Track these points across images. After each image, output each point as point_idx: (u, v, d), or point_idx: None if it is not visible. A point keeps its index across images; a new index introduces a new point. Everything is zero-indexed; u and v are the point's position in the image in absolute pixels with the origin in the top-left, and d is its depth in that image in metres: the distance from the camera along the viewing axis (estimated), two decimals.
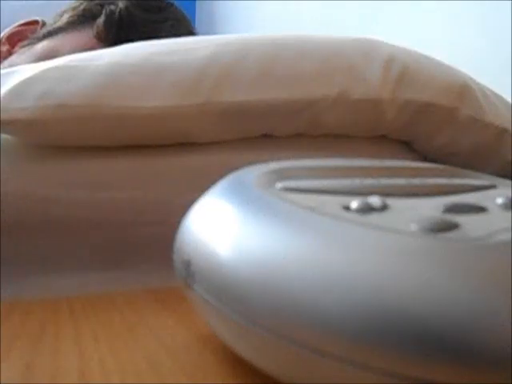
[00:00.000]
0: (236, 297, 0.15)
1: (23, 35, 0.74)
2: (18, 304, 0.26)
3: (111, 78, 0.32)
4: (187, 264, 0.18)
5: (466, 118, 0.38)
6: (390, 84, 0.36)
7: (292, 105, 0.35)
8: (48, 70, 0.33)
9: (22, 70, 0.33)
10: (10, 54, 0.73)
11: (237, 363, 0.18)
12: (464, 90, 0.38)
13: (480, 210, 0.17)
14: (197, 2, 2.37)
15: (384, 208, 0.17)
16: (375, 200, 0.17)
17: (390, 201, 0.17)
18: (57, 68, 0.33)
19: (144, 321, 0.24)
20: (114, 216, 0.33)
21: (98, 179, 0.33)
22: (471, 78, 0.40)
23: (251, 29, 1.85)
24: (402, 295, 0.12)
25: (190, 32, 0.74)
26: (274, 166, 0.22)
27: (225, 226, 0.17)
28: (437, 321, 0.12)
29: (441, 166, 0.27)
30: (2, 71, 0.34)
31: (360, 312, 0.13)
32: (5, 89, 0.32)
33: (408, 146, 0.41)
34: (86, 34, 0.67)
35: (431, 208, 0.17)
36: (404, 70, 0.37)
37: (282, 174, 0.21)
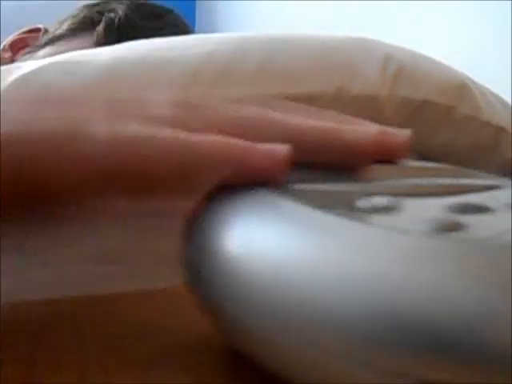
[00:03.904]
0: (238, 297, 0.15)
1: (25, 43, 0.75)
2: (17, 304, 0.26)
3: (111, 72, 0.33)
4: (188, 264, 0.18)
5: (464, 116, 0.38)
6: (387, 81, 0.37)
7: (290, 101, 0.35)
8: (50, 64, 0.33)
9: (23, 66, 0.34)
10: (12, 61, 0.74)
11: (237, 363, 0.18)
12: (462, 88, 0.38)
13: (487, 210, 0.17)
14: (197, 2, 2.37)
15: (391, 208, 0.16)
16: (382, 200, 0.17)
17: (396, 201, 0.17)
18: (58, 62, 0.33)
19: (144, 321, 0.24)
20: None
21: None
22: (469, 78, 0.40)
23: (251, 29, 1.85)
24: (409, 296, 0.12)
25: None
26: None
27: (227, 226, 0.17)
28: (445, 322, 0.12)
29: (447, 166, 0.26)
30: (3, 67, 0.34)
31: (364, 312, 0.13)
32: (6, 82, 0.32)
33: None
34: (87, 41, 0.68)
35: (438, 208, 0.17)
36: (401, 68, 0.37)
37: None
